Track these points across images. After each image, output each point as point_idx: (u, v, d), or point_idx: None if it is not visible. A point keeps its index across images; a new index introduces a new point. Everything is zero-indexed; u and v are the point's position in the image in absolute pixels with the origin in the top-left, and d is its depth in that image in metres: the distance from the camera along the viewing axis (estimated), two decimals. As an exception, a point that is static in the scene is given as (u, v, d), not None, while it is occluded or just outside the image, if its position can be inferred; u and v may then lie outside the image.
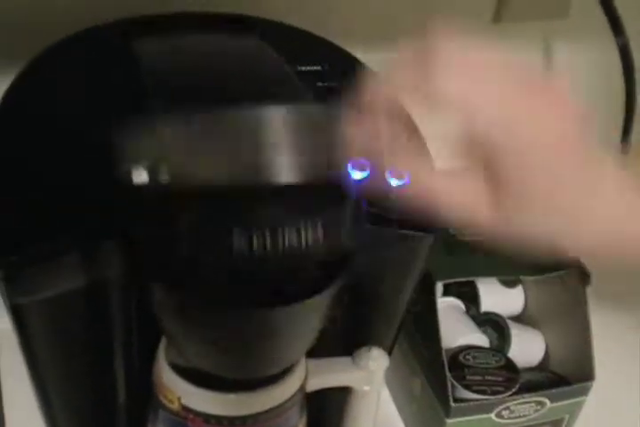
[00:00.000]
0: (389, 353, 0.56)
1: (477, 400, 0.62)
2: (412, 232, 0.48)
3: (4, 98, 0.46)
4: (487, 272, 0.67)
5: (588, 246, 0.39)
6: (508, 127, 0.35)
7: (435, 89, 0.35)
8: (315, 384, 0.52)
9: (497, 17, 0.79)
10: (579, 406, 0.66)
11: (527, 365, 0.74)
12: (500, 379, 0.64)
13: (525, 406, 0.63)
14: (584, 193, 0.37)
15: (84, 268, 0.44)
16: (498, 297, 0.75)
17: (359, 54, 0.50)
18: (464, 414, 0.63)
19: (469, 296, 0.75)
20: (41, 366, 0.49)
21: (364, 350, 0.52)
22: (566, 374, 0.70)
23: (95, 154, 0.44)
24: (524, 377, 0.70)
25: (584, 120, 0.37)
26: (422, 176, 0.38)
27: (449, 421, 0.62)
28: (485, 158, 0.36)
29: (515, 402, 0.63)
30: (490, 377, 0.64)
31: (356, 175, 0.48)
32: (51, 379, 0.50)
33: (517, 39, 0.82)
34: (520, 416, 0.64)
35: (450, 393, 0.62)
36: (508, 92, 0.35)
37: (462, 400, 0.62)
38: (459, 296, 0.74)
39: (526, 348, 0.74)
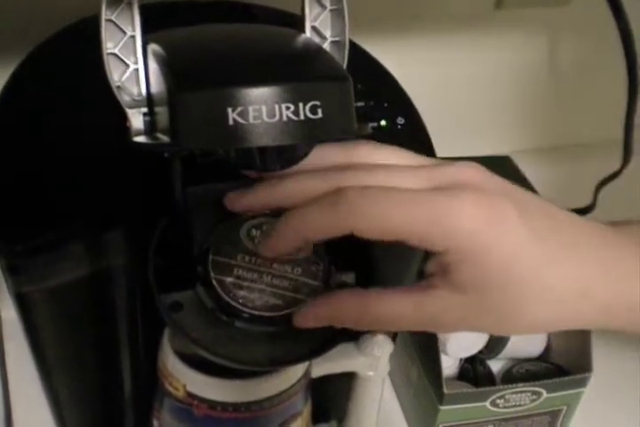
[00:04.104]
0: (394, 339, 0.56)
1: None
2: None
3: (7, 85, 0.46)
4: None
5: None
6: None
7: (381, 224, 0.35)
8: (319, 370, 0.52)
9: (499, 3, 0.79)
10: (576, 397, 0.66)
11: (528, 355, 0.74)
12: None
13: (521, 396, 0.63)
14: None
15: (88, 257, 0.44)
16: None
17: (364, 39, 0.50)
18: (457, 402, 0.63)
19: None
20: (47, 355, 0.50)
21: (368, 335, 0.52)
22: (567, 366, 0.70)
23: (99, 142, 0.44)
24: (524, 367, 0.70)
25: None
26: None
27: (442, 408, 0.63)
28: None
29: (510, 391, 0.63)
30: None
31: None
32: (57, 367, 0.51)
33: (520, 26, 0.82)
34: (515, 406, 0.64)
35: (443, 381, 0.62)
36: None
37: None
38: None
39: (528, 338, 0.74)
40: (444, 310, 0.37)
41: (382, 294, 0.38)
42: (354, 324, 0.38)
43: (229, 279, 0.40)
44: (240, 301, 0.40)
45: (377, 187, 0.36)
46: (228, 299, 0.40)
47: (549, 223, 0.38)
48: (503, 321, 0.37)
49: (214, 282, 0.40)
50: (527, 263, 0.36)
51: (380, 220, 0.35)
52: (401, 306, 0.37)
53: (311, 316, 0.39)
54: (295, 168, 0.39)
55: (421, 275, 0.39)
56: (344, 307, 0.38)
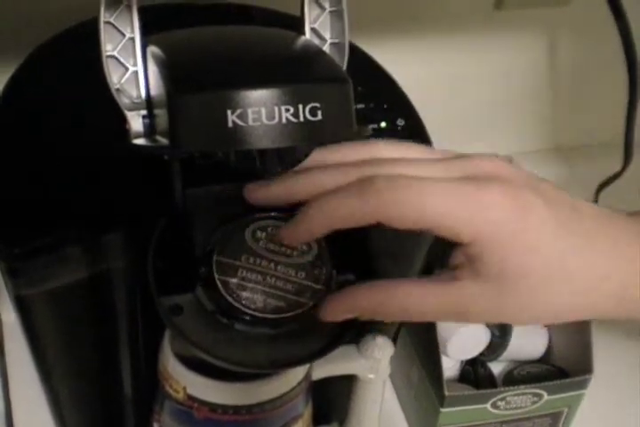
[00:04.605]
0: (394, 341, 0.56)
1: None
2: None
3: (7, 88, 0.46)
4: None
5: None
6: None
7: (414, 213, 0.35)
8: (320, 373, 0.52)
9: (499, 4, 0.79)
10: (577, 399, 0.66)
11: (529, 357, 0.74)
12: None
13: (522, 398, 0.63)
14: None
15: (87, 259, 0.44)
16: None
17: (363, 40, 0.50)
18: (458, 404, 0.63)
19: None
20: (47, 358, 0.50)
21: (369, 338, 0.52)
22: (568, 368, 0.70)
23: (99, 145, 0.44)
24: (525, 369, 0.70)
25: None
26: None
27: (443, 410, 0.63)
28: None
29: (511, 393, 0.63)
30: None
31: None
32: (57, 370, 0.51)
33: (520, 26, 0.82)
34: (517, 408, 0.64)
35: (444, 383, 0.62)
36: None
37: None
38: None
39: (529, 340, 0.74)
40: (468, 301, 0.37)
41: (403, 284, 0.38)
42: (374, 314, 0.38)
43: (233, 280, 0.40)
44: (243, 302, 0.40)
45: (404, 175, 0.36)
46: (230, 300, 0.40)
47: (572, 214, 0.38)
48: (521, 311, 0.37)
49: (218, 283, 0.40)
50: (550, 254, 0.36)
51: (407, 207, 0.35)
52: (422, 296, 0.37)
53: (337, 309, 0.39)
54: (317, 164, 0.39)
55: (429, 272, 0.39)
56: (366, 298, 0.38)
